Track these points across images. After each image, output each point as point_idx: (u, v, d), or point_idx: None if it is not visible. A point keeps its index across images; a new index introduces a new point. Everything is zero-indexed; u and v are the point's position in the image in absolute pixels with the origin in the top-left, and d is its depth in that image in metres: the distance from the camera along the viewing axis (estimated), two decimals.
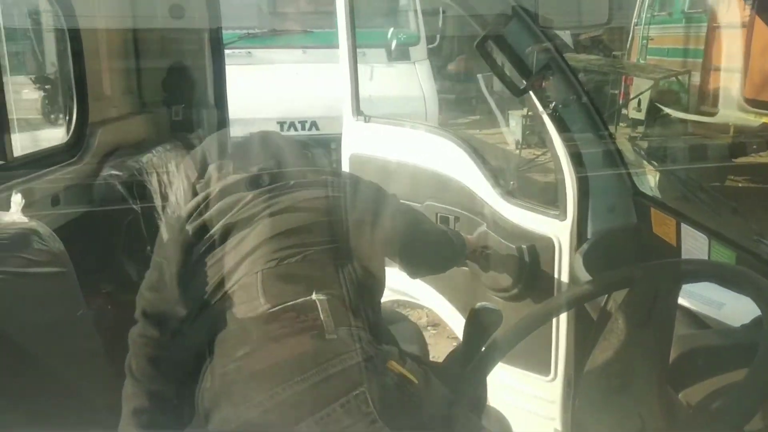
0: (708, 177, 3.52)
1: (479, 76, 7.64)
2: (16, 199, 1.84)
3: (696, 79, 6.63)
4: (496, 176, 2.08)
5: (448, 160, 2.20)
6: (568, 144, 1.81)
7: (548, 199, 1.98)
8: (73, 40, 2.46)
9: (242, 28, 4.75)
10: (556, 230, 1.88)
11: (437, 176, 2.24)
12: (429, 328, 3.59)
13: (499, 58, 1.78)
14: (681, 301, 1.27)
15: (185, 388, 1.35)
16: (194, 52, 2.99)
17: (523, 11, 1.75)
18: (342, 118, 2.55)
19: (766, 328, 1.04)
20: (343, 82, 2.51)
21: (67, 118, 2.51)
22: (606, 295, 1.35)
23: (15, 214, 1.83)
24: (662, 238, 1.77)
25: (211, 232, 1.39)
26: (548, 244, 1.89)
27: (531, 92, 1.76)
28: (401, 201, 1.62)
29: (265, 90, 4.47)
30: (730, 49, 5.88)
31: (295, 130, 4.53)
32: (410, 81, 4.88)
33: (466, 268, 2.04)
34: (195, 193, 1.48)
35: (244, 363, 1.22)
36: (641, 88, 7.12)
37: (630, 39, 8.23)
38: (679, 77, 6.97)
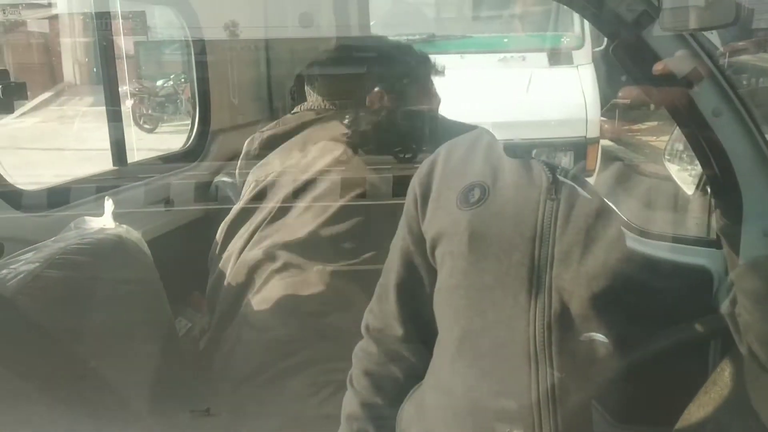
0: None
1: None
2: (108, 205, 1.86)
3: None
4: None
5: None
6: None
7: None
8: (197, 50, 2.54)
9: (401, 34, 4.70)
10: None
11: None
12: None
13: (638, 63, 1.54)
14: None
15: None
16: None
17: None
18: None
19: None
20: None
21: (189, 125, 2.61)
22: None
23: (106, 219, 1.85)
24: None
25: None
26: None
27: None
28: None
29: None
30: None
31: None
32: (572, 86, 4.59)
33: None
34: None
35: None
36: None
37: None
38: None
